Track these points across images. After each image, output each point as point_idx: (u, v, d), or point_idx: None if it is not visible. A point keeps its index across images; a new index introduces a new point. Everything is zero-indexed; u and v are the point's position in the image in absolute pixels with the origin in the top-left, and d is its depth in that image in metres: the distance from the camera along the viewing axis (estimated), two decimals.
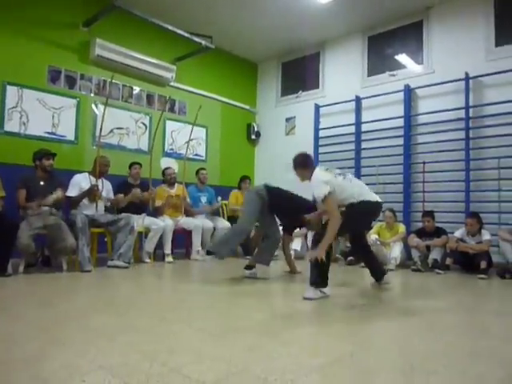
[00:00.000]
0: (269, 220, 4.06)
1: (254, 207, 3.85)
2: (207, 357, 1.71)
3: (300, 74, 7.38)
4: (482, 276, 4.21)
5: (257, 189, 4.03)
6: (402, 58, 6.13)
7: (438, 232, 4.89)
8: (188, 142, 5.89)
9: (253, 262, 4.02)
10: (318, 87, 7.07)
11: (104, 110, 4.68)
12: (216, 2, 5.71)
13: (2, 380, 1.45)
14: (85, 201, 4.46)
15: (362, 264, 4.75)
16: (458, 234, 4.70)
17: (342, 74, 6.72)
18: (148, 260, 4.87)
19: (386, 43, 6.33)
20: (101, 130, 4.70)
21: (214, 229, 5.52)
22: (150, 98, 6.19)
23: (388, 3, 5.72)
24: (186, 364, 1.62)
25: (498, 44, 5.27)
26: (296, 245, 5.55)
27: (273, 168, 7.29)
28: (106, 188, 4.71)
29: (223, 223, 5.66)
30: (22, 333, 2.02)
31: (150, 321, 2.31)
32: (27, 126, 4.91)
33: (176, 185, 5.51)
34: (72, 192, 4.42)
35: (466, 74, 5.32)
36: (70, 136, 5.30)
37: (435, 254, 4.75)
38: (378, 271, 3.62)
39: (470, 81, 5.35)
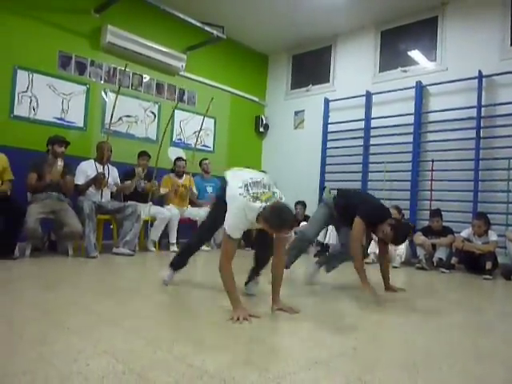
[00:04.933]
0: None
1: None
2: (210, 347, 1.71)
3: (310, 67, 7.33)
4: (487, 277, 4.19)
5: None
6: (415, 54, 6.06)
7: (445, 231, 4.86)
8: (198, 133, 5.88)
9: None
10: (328, 81, 7.01)
11: (116, 98, 4.68)
12: None
13: (7, 360, 1.47)
14: (91, 188, 4.47)
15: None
16: (464, 233, 4.67)
17: (354, 68, 6.65)
18: (153, 249, 4.89)
19: (399, 39, 6.25)
20: (111, 117, 4.70)
21: None
22: (159, 86, 6.17)
23: None
24: (189, 353, 1.62)
25: None
26: None
27: (280, 161, 7.27)
28: (112, 175, 4.71)
29: None
30: (27, 315, 2.04)
31: (153, 308, 2.32)
32: (37, 111, 4.92)
33: (184, 175, 5.52)
34: (79, 180, 4.43)
35: (480, 72, 5.25)
36: (79, 122, 5.31)
37: (440, 253, 4.72)
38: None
39: (483, 79, 5.28)
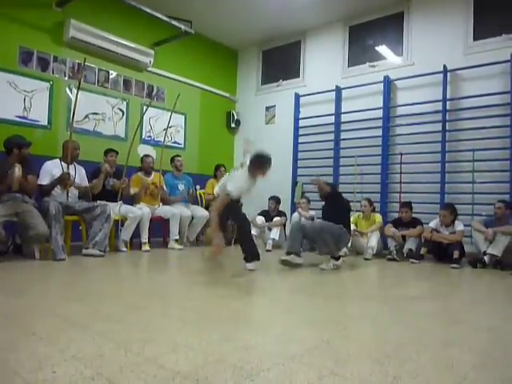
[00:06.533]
0: None
1: None
2: (182, 346, 1.68)
3: (280, 62, 7.33)
4: (455, 265, 4.33)
5: None
6: (383, 49, 6.16)
7: (414, 222, 4.98)
8: (166, 130, 5.77)
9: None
10: (298, 76, 7.04)
11: (77, 94, 4.52)
12: None
13: None
14: (56, 189, 4.31)
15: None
16: (432, 224, 4.80)
17: (323, 63, 6.70)
18: (124, 249, 4.79)
19: (366, 34, 6.33)
20: (73, 114, 4.51)
21: (192, 217, 5.46)
22: (127, 83, 6.03)
23: None
24: (161, 353, 1.59)
25: (476, 38, 5.35)
26: (274, 234, 5.57)
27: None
28: (79, 174, 4.57)
29: (201, 212, 5.61)
30: None
31: (124, 310, 2.27)
32: None
33: (153, 173, 5.42)
34: (43, 180, 4.27)
35: (444, 66, 5.39)
36: (43, 121, 5.12)
37: (410, 244, 4.84)
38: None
39: (448, 74, 5.42)
